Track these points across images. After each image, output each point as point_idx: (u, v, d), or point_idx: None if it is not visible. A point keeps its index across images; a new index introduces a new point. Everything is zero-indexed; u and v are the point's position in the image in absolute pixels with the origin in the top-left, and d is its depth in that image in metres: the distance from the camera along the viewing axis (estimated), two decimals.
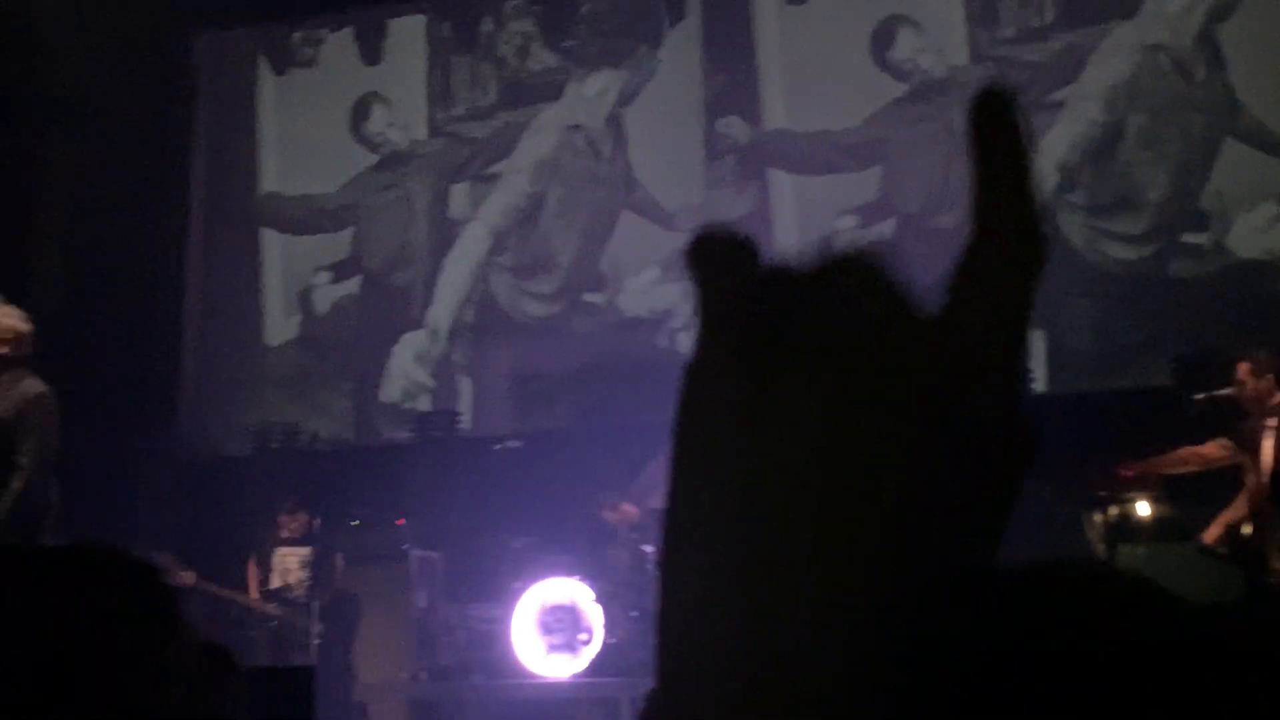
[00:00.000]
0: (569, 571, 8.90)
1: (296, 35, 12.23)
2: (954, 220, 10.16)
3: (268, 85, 12.34)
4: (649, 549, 8.82)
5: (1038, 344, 9.89)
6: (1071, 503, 7.67)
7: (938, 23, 10.51)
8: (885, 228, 10.42)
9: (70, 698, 0.70)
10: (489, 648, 8.77)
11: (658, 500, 8.16)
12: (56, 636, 0.73)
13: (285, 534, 9.18)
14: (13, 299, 10.14)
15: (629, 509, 9.20)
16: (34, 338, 5.70)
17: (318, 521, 8.98)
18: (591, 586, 8.63)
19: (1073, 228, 9.89)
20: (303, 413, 11.60)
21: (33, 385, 5.68)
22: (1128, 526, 7.82)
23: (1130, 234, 9.84)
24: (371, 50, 11.96)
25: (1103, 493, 7.73)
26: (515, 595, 8.51)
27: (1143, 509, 7.88)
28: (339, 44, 12.12)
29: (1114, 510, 7.78)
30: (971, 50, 10.41)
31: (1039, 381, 9.68)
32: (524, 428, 10.60)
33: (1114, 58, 10.00)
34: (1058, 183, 9.98)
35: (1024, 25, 10.30)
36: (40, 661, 0.71)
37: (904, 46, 10.54)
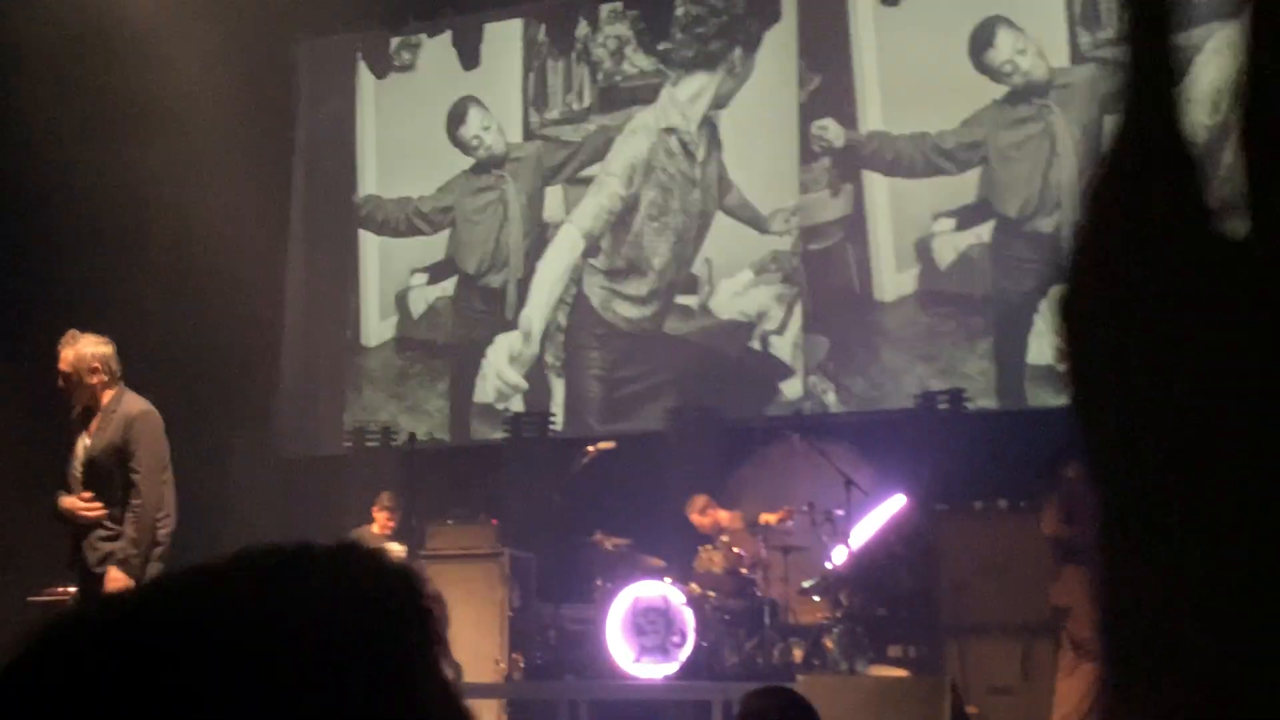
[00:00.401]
0: (661, 574, 8.91)
1: (395, 40, 12.39)
2: (1053, 223, 10.01)
3: (367, 90, 12.51)
4: (740, 552, 8.81)
5: None
6: None
7: (1038, 24, 10.35)
8: (983, 231, 10.29)
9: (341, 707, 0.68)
10: (581, 648, 8.81)
11: (750, 504, 8.14)
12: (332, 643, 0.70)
13: (379, 530, 9.29)
14: (120, 300, 10.40)
15: (719, 513, 9.18)
16: (116, 354, 5.98)
17: (412, 519, 9.05)
18: (683, 589, 8.62)
19: None
20: (399, 413, 11.76)
21: (133, 404, 5.93)
22: None
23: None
24: (469, 55, 12.08)
25: None
26: (608, 596, 8.53)
27: None
28: (437, 49, 12.25)
29: None
30: (1072, 51, 10.24)
31: None
32: (616, 429, 10.62)
33: (1220, 59, 9.77)
34: None
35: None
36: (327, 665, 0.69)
37: (1003, 48, 10.40)
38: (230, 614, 0.67)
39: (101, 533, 5.73)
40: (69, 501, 5.78)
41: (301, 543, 0.73)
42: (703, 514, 9.17)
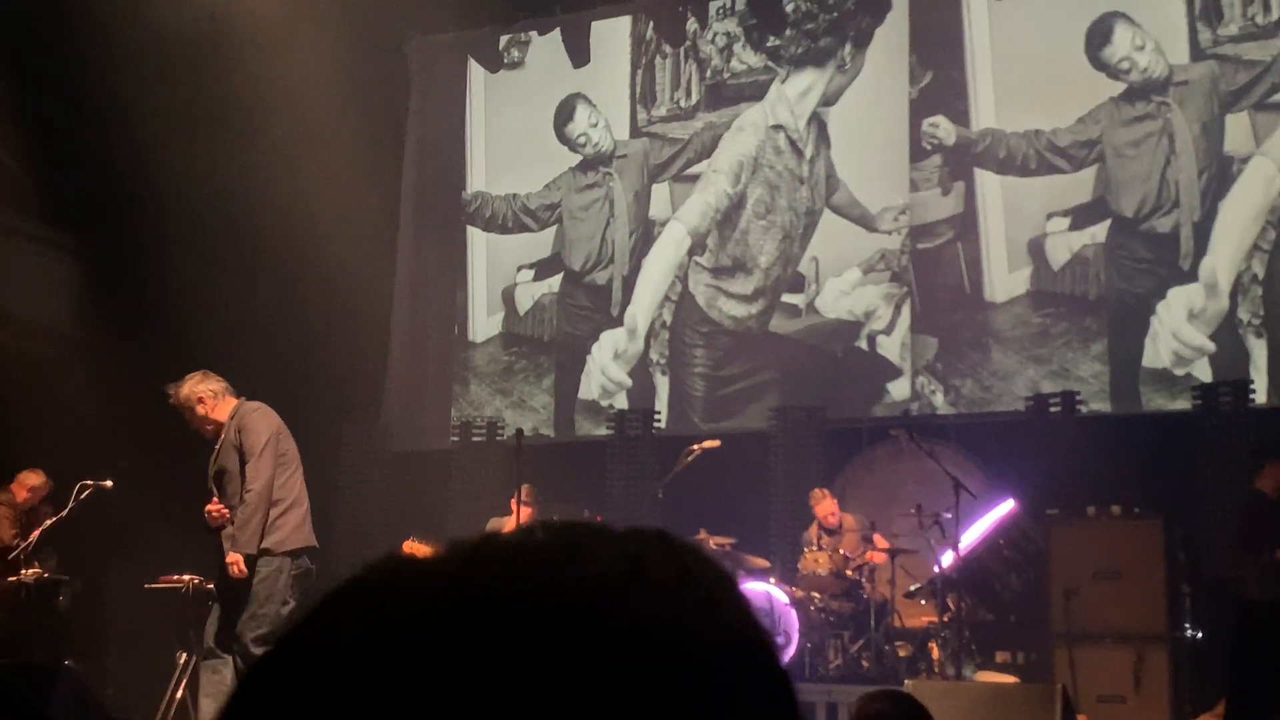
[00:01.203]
0: (766, 574, 8.86)
1: (505, 38, 12.47)
2: (1171, 223, 9.79)
3: (477, 87, 12.62)
4: (846, 553, 8.74)
5: (1259, 352, 9.47)
6: None
7: (1157, 19, 10.12)
8: (1098, 231, 10.09)
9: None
10: None
11: (856, 506, 8.07)
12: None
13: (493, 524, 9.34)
14: (234, 297, 10.61)
15: (840, 512, 9.09)
16: (215, 375, 6.59)
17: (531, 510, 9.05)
18: (787, 590, 8.57)
19: None
20: (504, 408, 11.85)
21: (242, 406, 6.52)
22: None
23: None
24: (578, 52, 12.12)
25: None
26: None
27: None
28: (546, 46, 12.32)
29: None
30: (1192, 48, 10.00)
31: (1260, 393, 9.26)
32: (720, 428, 10.59)
33: None
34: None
35: (1249, 21, 9.85)
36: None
37: (1121, 44, 10.18)
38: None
39: (229, 529, 6.33)
40: (207, 508, 6.37)
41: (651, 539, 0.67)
42: (824, 503, 9.09)
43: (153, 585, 8.69)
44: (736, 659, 0.62)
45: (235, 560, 6.14)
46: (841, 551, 8.71)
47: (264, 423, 6.39)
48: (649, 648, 0.60)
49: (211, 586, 6.93)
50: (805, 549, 8.95)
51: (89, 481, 8.34)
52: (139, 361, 10.23)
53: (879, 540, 8.79)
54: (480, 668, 0.58)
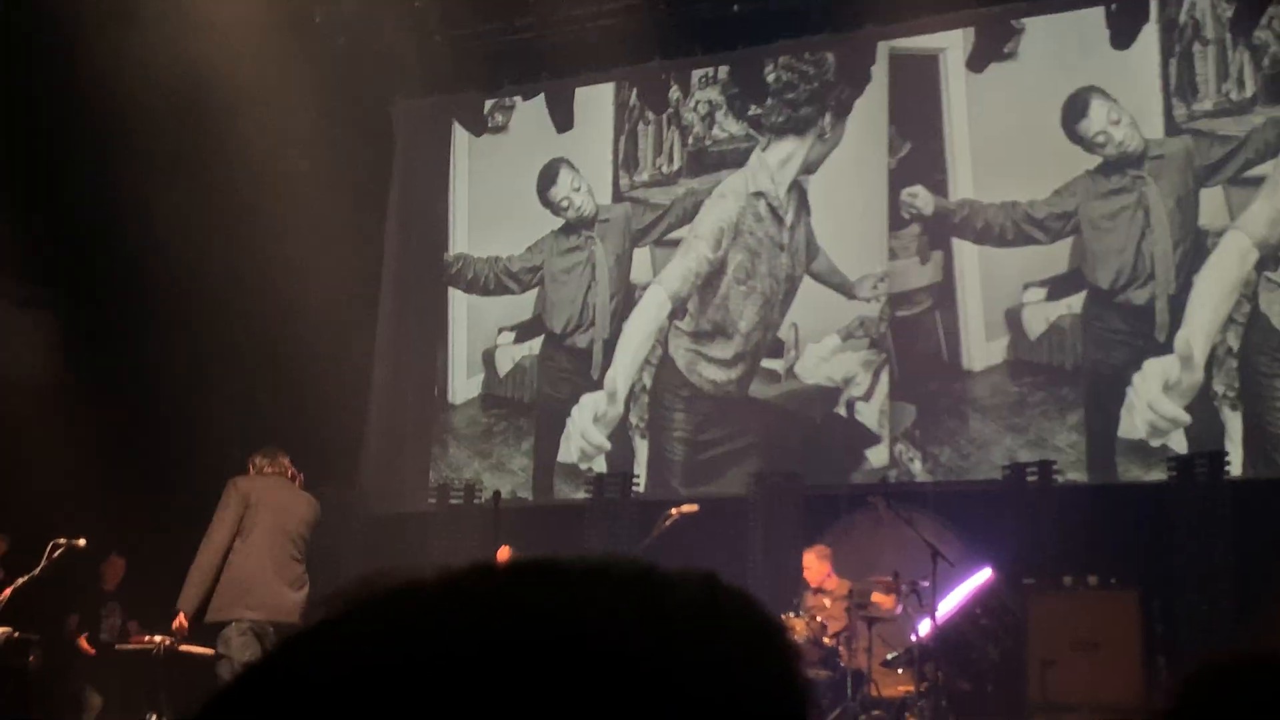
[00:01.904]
0: None
1: (489, 102, 12.58)
2: (1147, 295, 9.88)
3: (461, 150, 12.70)
4: (824, 620, 8.71)
5: (1234, 424, 9.53)
6: (1273, 595, 7.34)
7: (1132, 94, 10.28)
8: (1074, 302, 10.18)
9: None
10: None
11: (835, 573, 8.01)
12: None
13: None
14: (212, 354, 10.58)
15: (833, 574, 9.03)
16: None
17: None
18: None
19: (1273, 306, 9.53)
20: (483, 470, 11.82)
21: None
22: None
23: None
24: (561, 117, 12.22)
25: None
26: None
27: None
28: (530, 110, 12.42)
29: None
30: (1167, 122, 10.15)
31: (1235, 465, 9.32)
32: (699, 492, 10.58)
33: None
34: (1258, 260, 9.64)
35: (1223, 97, 10.01)
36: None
37: (1097, 118, 10.33)
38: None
39: None
40: None
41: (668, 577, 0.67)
42: (821, 561, 9.05)
43: (124, 646, 8.61)
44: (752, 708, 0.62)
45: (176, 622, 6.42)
46: (819, 619, 8.69)
47: (224, 493, 6.66)
48: (642, 693, 0.60)
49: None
50: (782, 617, 8.91)
51: (62, 540, 8.27)
52: (114, 420, 10.21)
53: (877, 597, 8.69)
54: (482, 693, 0.58)
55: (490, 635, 0.60)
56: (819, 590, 8.94)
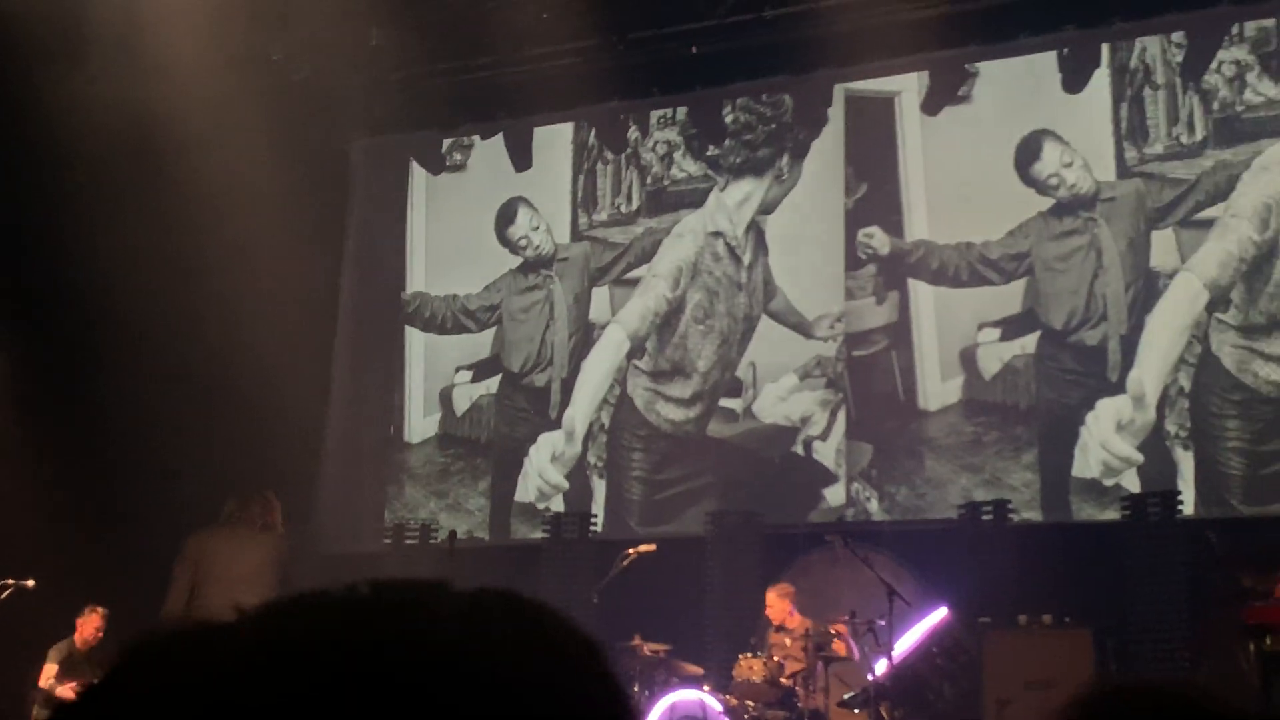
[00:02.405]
0: (700, 682, 8.79)
1: (448, 141, 12.59)
2: (1099, 336, 9.98)
3: (419, 188, 12.70)
4: (781, 660, 8.70)
5: (1186, 464, 9.62)
6: (1227, 633, 7.40)
7: (1084, 137, 10.41)
8: (1028, 342, 10.27)
9: None
10: None
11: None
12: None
13: None
14: (165, 395, 10.49)
15: (795, 613, 8.96)
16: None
17: None
18: (720, 698, 8.51)
19: (1223, 347, 9.65)
20: (439, 510, 11.76)
21: None
22: None
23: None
24: (520, 156, 12.25)
25: (1257, 624, 7.42)
26: (646, 703, 8.43)
27: None
28: (488, 150, 12.44)
29: (1269, 642, 7.45)
30: (1119, 165, 10.29)
31: (1187, 504, 9.40)
32: (657, 532, 10.57)
33: (1268, 175, 9.80)
34: (1208, 300, 9.76)
35: (1174, 141, 10.16)
36: None
37: (1049, 161, 10.46)
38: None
39: None
40: None
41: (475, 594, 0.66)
42: (782, 600, 8.98)
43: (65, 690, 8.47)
44: None
45: None
46: (777, 658, 8.67)
47: (179, 555, 6.66)
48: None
49: None
50: (740, 657, 8.87)
51: (10, 581, 8.17)
52: (66, 461, 10.10)
53: (836, 627, 8.63)
54: None
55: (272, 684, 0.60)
56: (780, 629, 8.93)
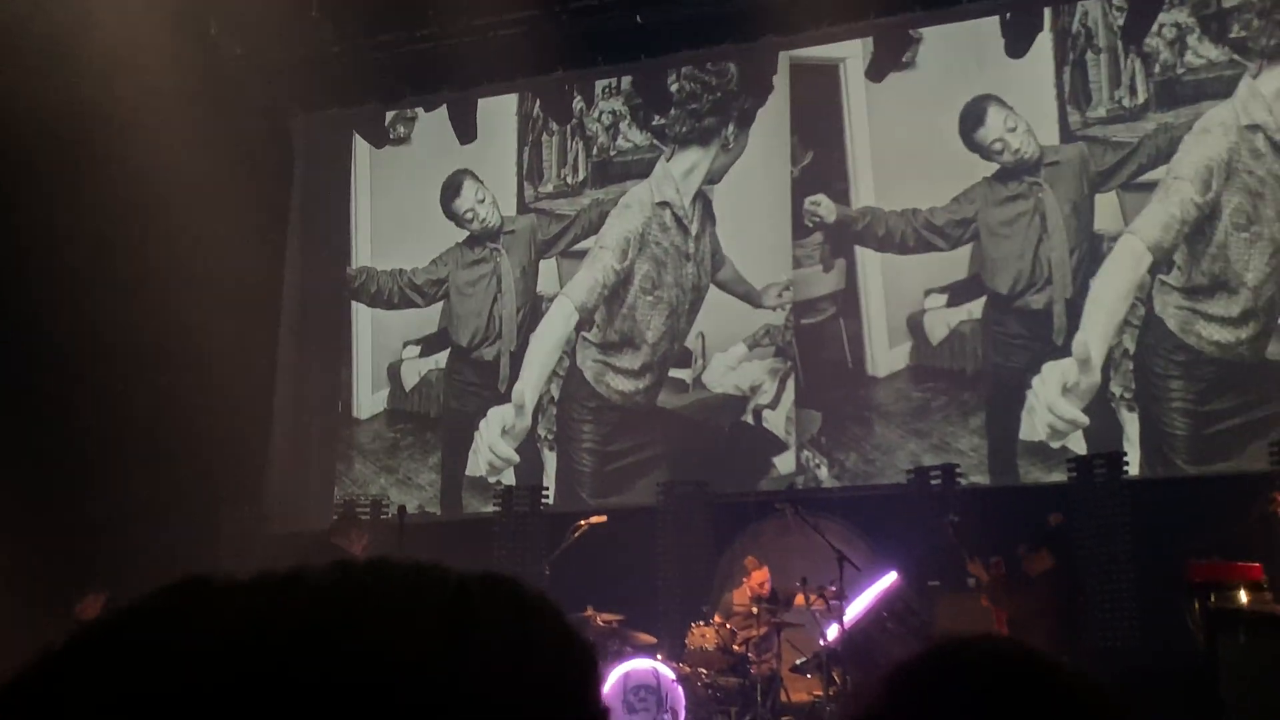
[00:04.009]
0: (653, 650, 8.81)
1: (390, 114, 12.47)
2: (1044, 300, 10.04)
3: (362, 162, 12.58)
4: (733, 628, 8.72)
5: (1131, 426, 9.71)
6: (1172, 591, 7.47)
7: (1028, 102, 10.45)
8: (974, 307, 10.31)
9: None
10: None
11: (744, 580, 8.03)
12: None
13: None
14: (110, 376, 10.37)
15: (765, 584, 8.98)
16: None
17: None
18: (674, 666, 8.53)
19: (1167, 309, 9.73)
20: (390, 486, 11.70)
21: None
22: (1227, 616, 7.56)
23: None
24: (464, 128, 12.15)
25: (1201, 581, 7.51)
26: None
27: (1242, 598, 7.63)
28: (432, 122, 12.33)
29: (1214, 599, 7.54)
30: (1062, 130, 10.33)
31: (1133, 465, 9.48)
32: (608, 503, 10.56)
33: (1209, 137, 9.87)
34: (1151, 263, 9.84)
35: (1116, 104, 10.21)
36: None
37: (993, 126, 10.49)
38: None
39: None
40: None
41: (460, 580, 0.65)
42: (759, 569, 9.00)
43: None
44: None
45: None
46: (729, 627, 8.70)
47: None
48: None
49: None
50: (693, 625, 8.88)
51: None
52: (13, 440, 9.95)
53: (800, 600, 8.66)
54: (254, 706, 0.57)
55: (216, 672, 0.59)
56: (754, 599, 8.93)
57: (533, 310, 11.71)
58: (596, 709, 0.66)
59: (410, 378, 11.99)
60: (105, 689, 0.59)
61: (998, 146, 10.45)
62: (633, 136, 11.71)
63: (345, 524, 7.89)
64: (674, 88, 11.58)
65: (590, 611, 8.82)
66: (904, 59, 10.87)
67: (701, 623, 8.88)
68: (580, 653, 0.67)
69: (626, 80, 11.77)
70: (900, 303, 10.53)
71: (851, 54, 11.02)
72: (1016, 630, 7.60)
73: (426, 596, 0.64)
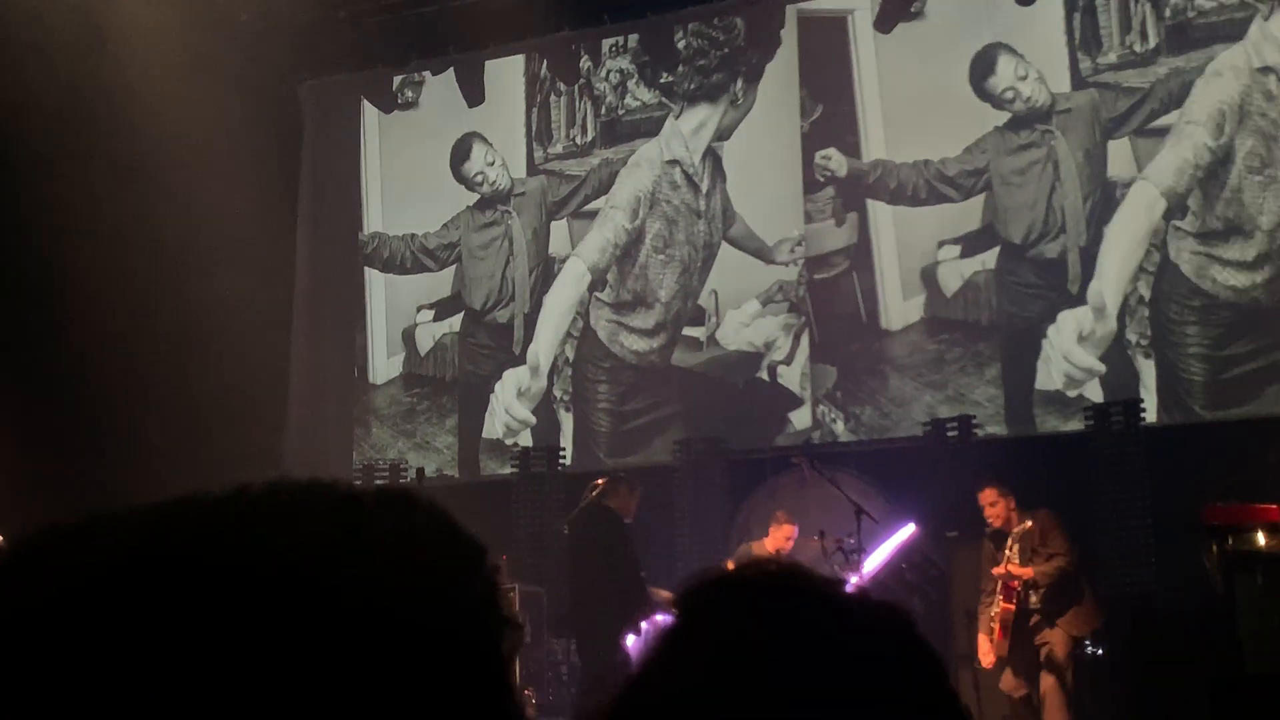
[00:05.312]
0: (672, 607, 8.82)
1: (398, 78, 12.44)
2: (1058, 249, 10.00)
3: (371, 128, 12.56)
4: None
5: (1148, 372, 9.69)
6: (1190, 536, 7.48)
7: (1038, 50, 10.38)
8: (987, 258, 10.28)
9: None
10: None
11: (764, 535, 8.06)
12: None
13: None
14: (129, 343, 10.42)
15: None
16: None
17: None
18: None
19: (1182, 254, 9.69)
20: (408, 450, 11.74)
21: None
22: (1245, 558, 7.57)
23: None
24: (472, 91, 12.12)
25: (1219, 524, 7.51)
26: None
27: (1260, 540, 7.63)
28: (440, 86, 12.30)
29: (1231, 542, 7.54)
30: (1073, 76, 10.26)
31: (1150, 412, 9.47)
32: (625, 462, 10.59)
33: (1221, 81, 9.79)
34: (1165, 209, 9.79)
35: (1127, 50, 10.13)
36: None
37: (1004, 74, 10.42)
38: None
39: None
40: None
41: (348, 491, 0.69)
42: (790, 523, 8.97)
43: None
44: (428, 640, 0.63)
45: None
46: None
47: None
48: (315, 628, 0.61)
49: None
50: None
51: None
52: (32, 414, 10.01)
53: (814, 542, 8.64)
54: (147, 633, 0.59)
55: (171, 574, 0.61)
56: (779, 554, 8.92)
57: (545, 272, 11.71)
58: (485, 597, 0.69)
59: (425, 342, 12.01)
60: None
61: (1009, 95, 10.38)
62: (641, 95, 11.67)
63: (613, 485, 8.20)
64: (681, 44, 11.53)
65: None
66: (912, 9, 10.79)
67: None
68: (466, 546, 0.70)
69: (633, 38, 11.72)
70: (913, 255, 10.50)
71: (859, 5, 10.94)
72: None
73: (318, 501, 0.67)
